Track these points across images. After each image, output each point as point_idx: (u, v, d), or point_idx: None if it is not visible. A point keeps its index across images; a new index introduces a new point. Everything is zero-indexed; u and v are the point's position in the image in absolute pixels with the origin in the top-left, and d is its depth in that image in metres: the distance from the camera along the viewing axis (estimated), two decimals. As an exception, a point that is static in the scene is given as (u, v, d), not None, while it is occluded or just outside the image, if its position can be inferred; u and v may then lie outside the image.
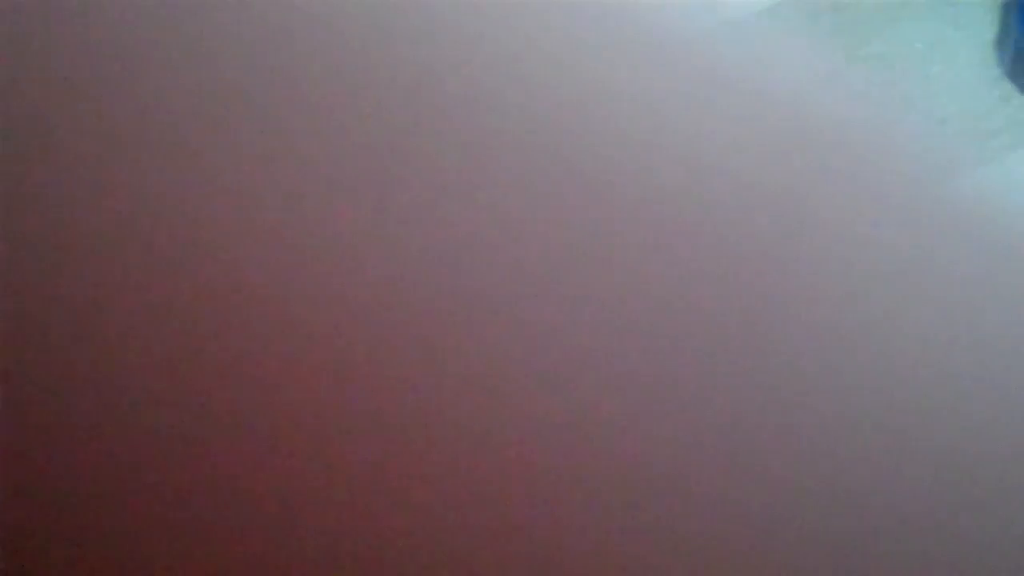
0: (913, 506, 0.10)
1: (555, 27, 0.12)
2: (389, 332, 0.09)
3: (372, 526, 0.09)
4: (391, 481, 0.09)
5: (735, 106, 0.12)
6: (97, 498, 0.08)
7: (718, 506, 0.09)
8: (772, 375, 0.10)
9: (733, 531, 0.09)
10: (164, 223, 0.09)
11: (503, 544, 0.09)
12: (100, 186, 0.09)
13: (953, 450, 0.10)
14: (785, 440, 0.10)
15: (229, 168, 0.10)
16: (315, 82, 0.10)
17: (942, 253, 0.12)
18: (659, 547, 0.09)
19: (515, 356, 0.10)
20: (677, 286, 0.10)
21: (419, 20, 0.11)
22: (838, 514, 0.10)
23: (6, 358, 0.09)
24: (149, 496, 0.08)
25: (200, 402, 0.09)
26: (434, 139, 0.10)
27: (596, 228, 0.10)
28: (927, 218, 0.12)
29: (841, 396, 0.10)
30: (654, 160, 0.11)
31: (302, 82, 0.10)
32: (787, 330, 0.10)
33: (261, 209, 0.10)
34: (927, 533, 0.10)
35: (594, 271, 0.10)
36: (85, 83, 0.10)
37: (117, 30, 0.10)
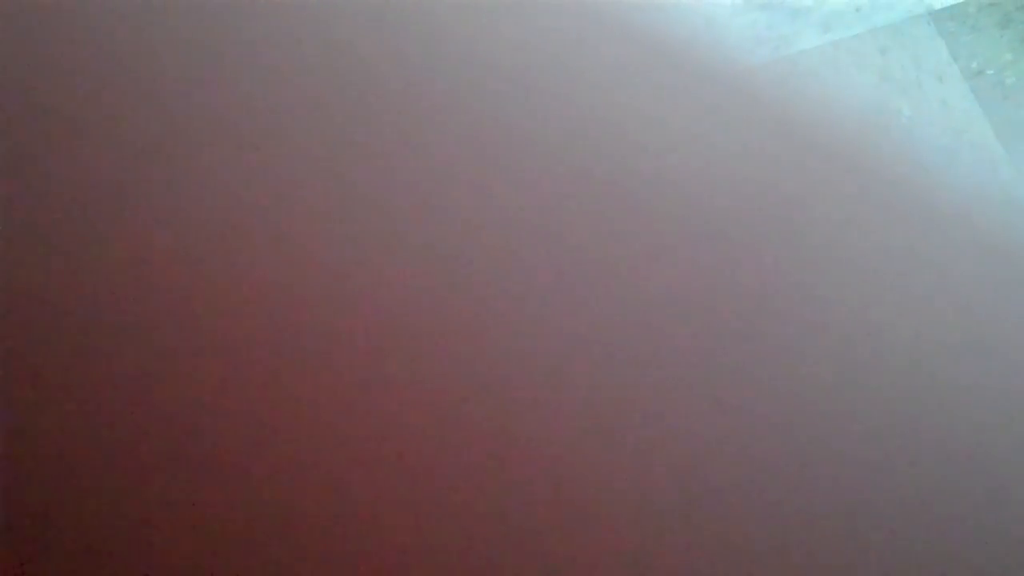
0: (914, 501, 0.10)
1: (557, 29, 0.12)
2: (393, 329, 0.09)
3: (377, 526, 0.09)
4: (391, 479, 0.09)
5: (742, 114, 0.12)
6: (99, 498, 0.08)
7: (720, 502, 0.09)
8: (776, 372, 0.10)
9: (738, 527, 0.09)
10: (165, 222, 0.09)
11: (508, 542, 0.09)
12: (100, 185, 0.09)
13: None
14: (786, 434, 0.10)
15: (231, 167, 0.10)
16: (317, 82, 0.10)
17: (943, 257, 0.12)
18: (662, 545, 0.09)
19: (518, 354, 0.10)
20: (677, 284, 0.10)
21: (421, 21, 0.11)
22: (838, 510, 0.10)
23: (6, 357, 0.08)
24: (152, 492, 0.08)
25: (206, 399, 0.09)
26: (437, 139, 0.10)
27: (602, 228, 0.10)
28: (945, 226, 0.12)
29: (843, 393, 0.10)
30: (657, 162, 0.11)
31: (303, 82, 0.10)
32: (792, 328, 0.10)
33: (263, 208, 0.10)
34: (927, 530, 0.10)
35: (598, 270, 0.10)
36: (86, 83, 0.10)
37: (118, 31, 0.10)
